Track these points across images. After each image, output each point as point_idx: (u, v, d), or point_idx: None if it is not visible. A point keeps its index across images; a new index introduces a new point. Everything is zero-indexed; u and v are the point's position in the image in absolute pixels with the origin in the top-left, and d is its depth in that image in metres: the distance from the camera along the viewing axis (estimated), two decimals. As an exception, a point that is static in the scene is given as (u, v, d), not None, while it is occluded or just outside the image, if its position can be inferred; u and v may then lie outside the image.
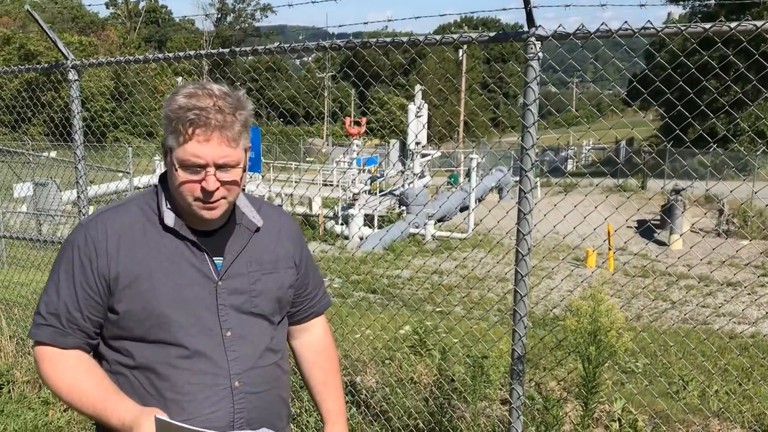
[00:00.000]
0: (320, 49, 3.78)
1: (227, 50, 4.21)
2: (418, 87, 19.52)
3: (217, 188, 1.71)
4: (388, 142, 27.55)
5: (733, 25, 2.66)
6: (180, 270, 1.77)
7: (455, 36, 2.98)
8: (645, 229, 19.18)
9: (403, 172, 20.74)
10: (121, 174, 18.92)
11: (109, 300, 1.76)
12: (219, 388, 1.76)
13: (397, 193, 20.30)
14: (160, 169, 23.26)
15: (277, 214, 2.00)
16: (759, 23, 2.57)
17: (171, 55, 4.55)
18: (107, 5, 68.15)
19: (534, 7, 2.73)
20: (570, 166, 37.34)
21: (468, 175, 21.59)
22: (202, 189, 1.70)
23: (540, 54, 2.83)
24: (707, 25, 2.63)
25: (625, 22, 2.63)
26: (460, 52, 39.76)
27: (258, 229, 1.90)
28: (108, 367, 1.81)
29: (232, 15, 70.69)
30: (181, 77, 22.79)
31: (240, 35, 68.39)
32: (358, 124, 23.14)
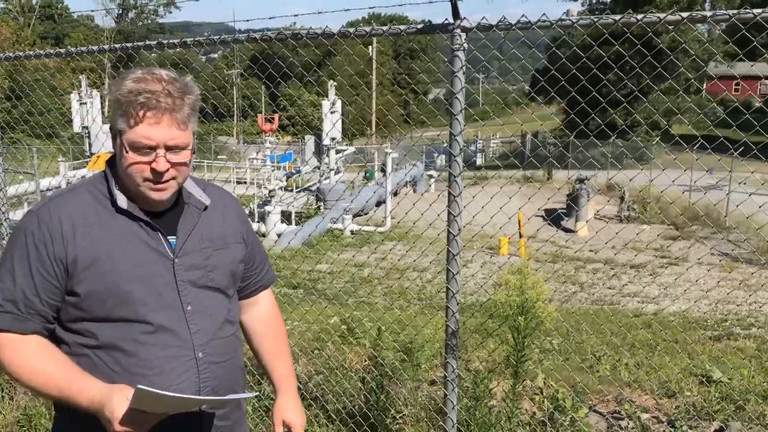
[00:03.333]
0: (237, 42, 3.83)
1: (130, 45, 4.15)
2: (331, 83, 19.59)
3: (167, 169, 1.77)
4: (302, 139, 27.49)
5: (639, 16, 2.90)
6: (137, 249, 1.82)
7: (384, 28, 3.11)
8: (553, 218, 19.99)
9: (318, 168, 20.78)
10: (21, 177, 18.08)
11: (68, 283, 1.79)
12: (184, 359, 1.84)
13: (313, 189, 20.33)
14: (65, 170, 22.36)
15: (220, 194, 2.08)
16: (662, 15, 2.82)
17: (73, 50, 4.45)
18: (-3, -1, 64.56)
19: (459, 0, 2.89)
20: (480, 159, 38.32)
21: (383, 169, 21.85)
22: (153, 170, 1.76)
23: (465, 45, 3.00)
24: (617, 17, 2.87)
25: (544, 14, 2.84)
26: (371, 48, 40.02)
27: (206, 208, 1.97)
28: (68, 350, 1.83)
29: (134, 11, 68.38)
30: (83, 75, 21.97)
31: (143, 32, 66.23)
32: (270, 120, 22.98)
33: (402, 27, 3.07)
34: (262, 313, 2.23)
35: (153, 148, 1.75)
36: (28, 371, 1.78)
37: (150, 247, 1.84)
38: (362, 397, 4.32)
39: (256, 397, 4.34)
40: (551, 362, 6.09)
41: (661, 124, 28.28)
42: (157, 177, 1.77)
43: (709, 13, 2.83)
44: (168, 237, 1.87)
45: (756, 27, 2.83)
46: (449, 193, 3.14)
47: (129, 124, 1.74)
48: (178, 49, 4.12)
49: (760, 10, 2.74)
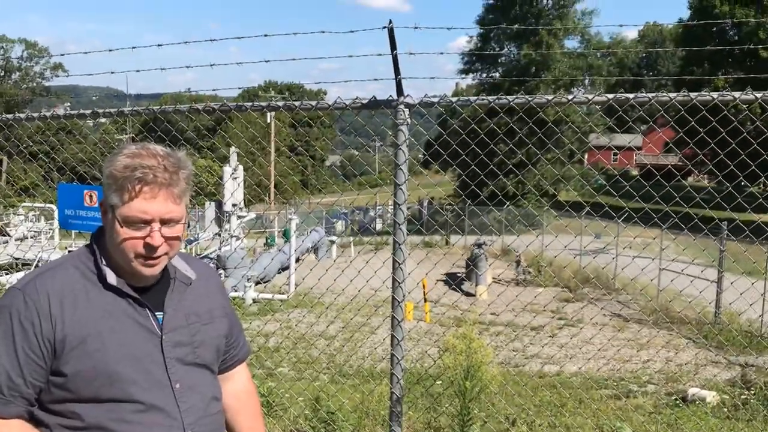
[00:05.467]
0: (179, 112, 3.83)
1: (12, 116, 4.05)
2: (233, 149, 19.50)
3: (161, 244, 1.76)
4: (196, 206, 26.96)
5: (549, 96, 3.17)
6: (125, 327, 1.78)
7: (330, 102, 3.22)
8: (454, 282, 20.44)
9: (219, 235, 20.41)
10: None
11: (54, 363, 1.72)
12: None
13: (212, 256, 19.89)
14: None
15: (203, 267, 2.07)
16: (549, 96, 3.09)
17: None
18: None
19: (402, 78, 3.05)
20: (379, 225, 38.82)
21: (285, 235, 21.69)
22: (146, 245, 1.74)
23: (408, 120, 3.15)
24: (521, 97, 3.12)
25: (482, 93, 3.04)
26: (269, 116, 40.18)
27: (191, 282, 1.95)
28: None
29: (17, 74, 65.68)
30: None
31: (27, 95, 63.62)
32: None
33: (347, 101, 3.19)
34: (237, 389, 2.17)
35: (148, 222, 1.74)
36: None
37: (138, 323, 1.80)
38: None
39: None
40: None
41: (549, 192, 29.85)
42: (150, 252, 1.75)
43: (590, 96, 3.18)
44: (156, 313, 1.84)
45: (631, 106, 3.22)
46: (394, 260, 3.22)
47: (123, 199, 1.72)
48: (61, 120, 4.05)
49: (633, 95, 3.11)
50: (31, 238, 24.32)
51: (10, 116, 4.07)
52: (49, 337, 1.71)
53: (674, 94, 3.00)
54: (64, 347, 1.71)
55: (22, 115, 4.02)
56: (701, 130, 3.42)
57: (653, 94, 3.00)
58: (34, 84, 66.09)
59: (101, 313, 1.76)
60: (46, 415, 1.76)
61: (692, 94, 2.94)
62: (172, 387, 1.81)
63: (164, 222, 1.75)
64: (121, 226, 1.74)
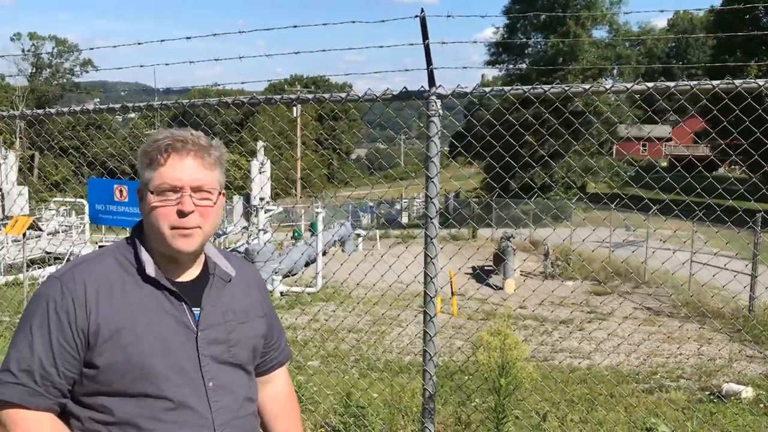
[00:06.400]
0: (210, 106, 3.80)
1: (42, 111, 4.08)
2: (260, 143, 19.56)
3: (193, 211, 1.73)
4: (228, 199, 27.14)
5: (586, 86, 3.07)
6: (160, 320, 1.75)
7: (360, 94, 3.16)
8: (480, 275, 20.31)
9: (247, 228, 20.51)
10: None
11: (87, 354, 1.70)
12: None
13: (241, 249, 19.99)
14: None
15: (242, 264, 2.03)
16: (586, 86, 2.99)
17: None
18: None
19: (435, 68, 2.98)
20: (405, 218, 38.77)
21: (311, 229, 21.74)
22: (179, 212, 1.72)
23: (440, 111, 3.08)
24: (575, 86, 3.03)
25: (517, 83, 2.96)
26: (294, 110, 40.28)
27: (230, 279, 1.91)
28: (80, 426, 1.72)
29: (48, 70, 66.70)
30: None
31: (57, 91, 64.60)
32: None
33: (377, 93, 3.13)
34: (276, 392, 2.12)
35: (179, 189, 1.72)
36: None
37: (174, 318, 1.77)
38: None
39: None
40: (493, 423, 6.11)
41: (578, 183, 29.55)
42: (182, 218, 1.72)
43: (629, 85, 3.06)
44: (193, 308, 1.80)
45: (665, 97, 3.09)
46: (425, 255, 3.16)
47: (154, 168, 1.73)
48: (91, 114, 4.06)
49: (674, 83, 2.99)
50: (63, 232, 24.71)
51: (40, 111, 4.10)
52: (83, 328, 1.69)
53: (717, 81, 2.88)
54: (98, 338, 1.69)
55: (52, 110, 4.04)
56: (746, 118, 3.29)
57: (695, 82, 2.89)
58: (64, 80, 67.13)
59: (137, 306, 1.73)
60: (78, 407, 1.74)
61: (737, 82, 2.82)
62: (204, 385, 1.77)
63: (195, 189, 1.74)
64: (153, 195, 1.73)
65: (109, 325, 1.70)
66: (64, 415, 1.75)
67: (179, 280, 1.81)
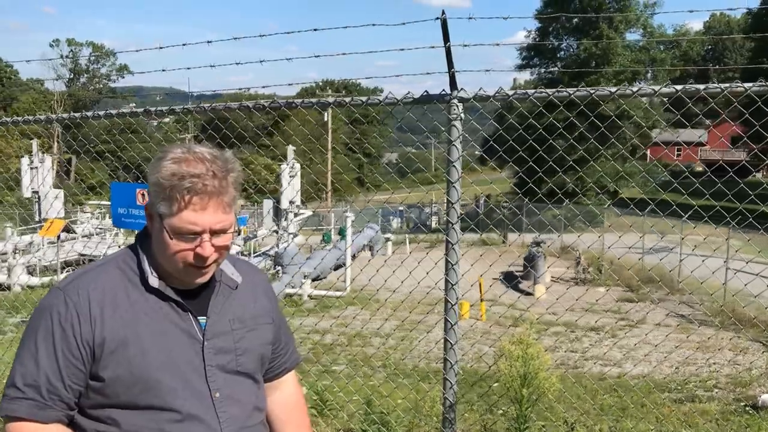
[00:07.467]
0: (246, 108, 3.80)
1: (78, 114, 4.12)
2: (290, 147, 19.65)
3: (212, 254, 1.70)
4: (257, 202, 27.32)
5: (613, 89, 3.00)
6: (166, 331, 1.72)
7: (380, 98, 3.13)
8: (510, 280, 20.12)
9: (276, 232, 20.61)
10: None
11: (93, 367, 1.68)
12: None
13: (271, 253, 20.10)
14: (14, 236, 21.65)
15: (250, 270, 1.99)
16: (613, 89, 2.91)
17: (20, 119, 4.43)
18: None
19: (456, 71, 2.93)
20: (434, 222, 38.63)
21: (341, 233, 21.75)
22: (197, 255, 1.68)
23: (462, 115, 3.03)
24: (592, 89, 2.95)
25: (541, 85, 2.90)
26: (325, 114, 40.46)
27: (236, 286, 1.88)
28: None
29: (85, 76, 68.01)
30: (35, 140, 21.60)
31: (94, 96, 65.78)
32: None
33: (398, 97, 3.10)
34: (285, 398, 2.08)
35: (198, 234, 1.67)
36: None
37: (180, 328, 1.74)
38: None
39: None
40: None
41: (610, 189, 29.15)
42: (200, 262, 1.69)
43: (656, 87, 2.97)
44: (198, 317, 1.77)
45: (698, 100, 2.99)
46: (446, 261, 3.11)
47: (172, 209, 1.65)
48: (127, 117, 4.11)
49: (704, 86, 2.89)
50: (97, 235, 25.09)
51: (77, 114, 4.15)
52: (88, 340, 1.67)
53: (749, 84, 2.79)
54: (103, 350, 1.67)
55: (89, 113, 4.09)
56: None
57: (726, 85, 2.80)
58: (101, 85, 68.37)
59: (142, 317, 1.71)
60: (85, 420, 1.72)
61: (771, 84, 2.72)
62: (211, 396, 1.74)
63: (214, 232, 1.68)
64: (171, 238, 1.67)
65: (114, 337, 1.67)
66: (72, 427, 1.74)
67: (184, 288, 1.78)
